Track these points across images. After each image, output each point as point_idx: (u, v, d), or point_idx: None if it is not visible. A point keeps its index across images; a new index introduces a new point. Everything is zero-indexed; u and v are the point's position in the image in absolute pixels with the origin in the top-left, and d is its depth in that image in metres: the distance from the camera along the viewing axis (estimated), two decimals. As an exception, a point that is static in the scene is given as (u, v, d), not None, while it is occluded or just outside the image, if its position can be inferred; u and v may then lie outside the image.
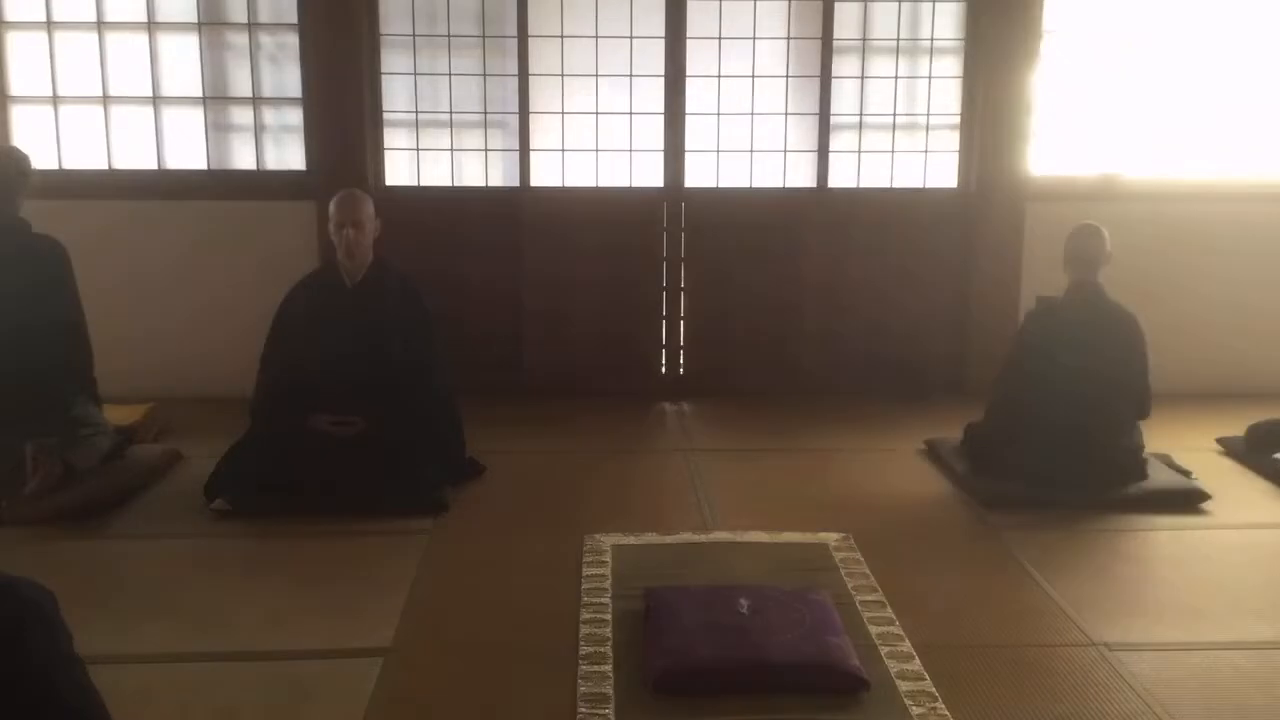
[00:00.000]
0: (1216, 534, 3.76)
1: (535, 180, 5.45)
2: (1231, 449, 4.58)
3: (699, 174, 5.47)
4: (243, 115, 5.39)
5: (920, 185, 5.54)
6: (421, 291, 4.28)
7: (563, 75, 5.36)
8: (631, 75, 5.37)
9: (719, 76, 5.39)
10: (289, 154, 5.41)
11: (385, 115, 5.39)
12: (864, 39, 5.42)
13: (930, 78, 5.46)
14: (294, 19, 5.28)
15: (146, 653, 2.87)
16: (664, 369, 5.62)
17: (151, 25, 5.29)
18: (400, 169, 5.44)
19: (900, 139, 5.51)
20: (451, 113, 5.41)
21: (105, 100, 5.33)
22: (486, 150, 5.44)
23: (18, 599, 1.41)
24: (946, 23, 5.42)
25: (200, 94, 5.34)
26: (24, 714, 1.38)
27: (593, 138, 5.43)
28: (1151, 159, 5.53)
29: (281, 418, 4.03)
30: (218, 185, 5.36)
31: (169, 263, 5.32)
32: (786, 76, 5.43)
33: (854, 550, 3.54)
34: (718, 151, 5.46)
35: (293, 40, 5.31)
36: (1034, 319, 4.29)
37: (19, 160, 4.10)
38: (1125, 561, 3.54)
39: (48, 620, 1.44)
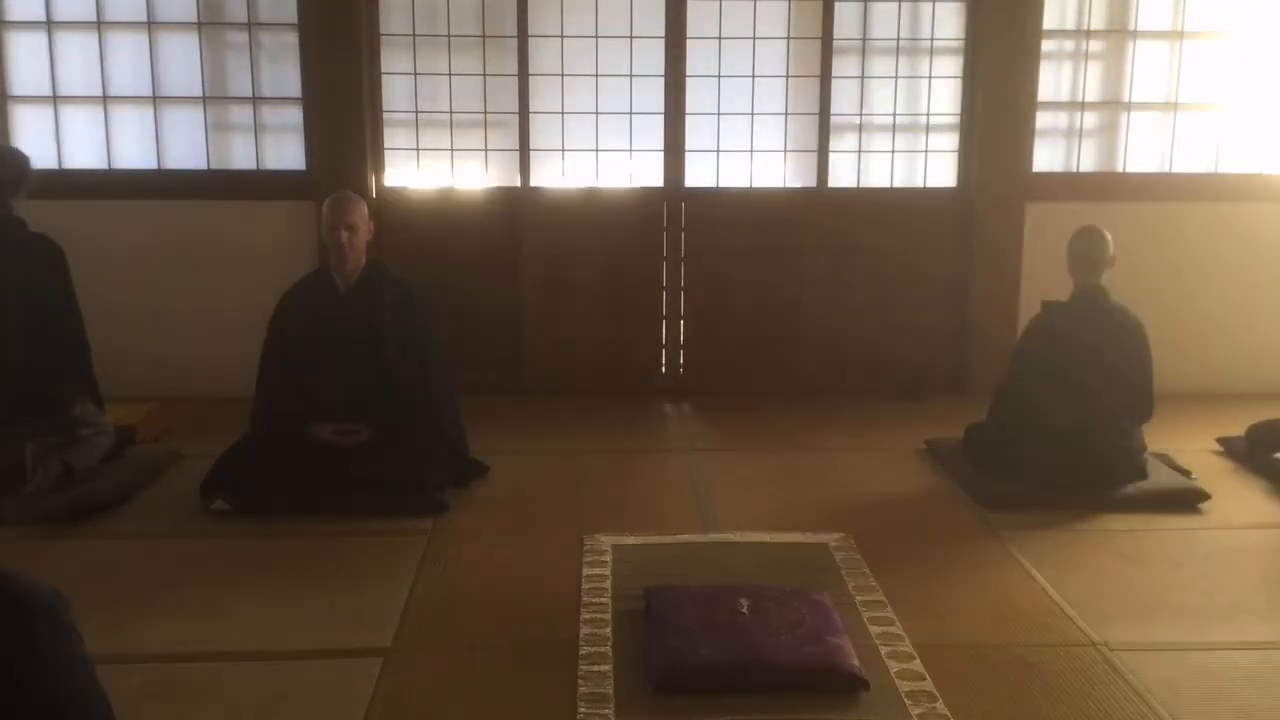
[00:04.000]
0: (1216, 534, 3.76)
1: (535, 180, 5.45)
2: (1231, 449, 4.58)
3: (699, 174, 5.48)
4: (242, 115, 5.39)
5: (920, 185, 5.54)
6: (417, 292, 4.25)
7: (563, 75, 5.37)
8: (631, 75, 5.37)
9: (719, 76, 5.39)
10: (288, 154, 5.41)
11: (385, 115, 5.39)
12: (864, 39, 5.42)
13: (930, 78, 5.46)
14: (294, 19, 5.28)
15: (146, 653, 2.87)
16: (664, 369, 5.63)
17: (151, 25, 5.29)
18: (400, 169, 5.45)
19: (900, 139, 5.51)
20: (451, 112, 5.41)
21: (105, 100, 5.33)
22: (486, 150, 5.45)
23: (29, 598, 1.41)
24: (946, 23, 5.43)
25: (200, 94, 5.34)
26: (30, 714, 1.38)
27: (593, 138, 5.43)
28: (1151, 158, 5.53)
29: (283, 426, 4.02)
30: (217, 185, 5.36)
31: (169, 262, 5.32)
32: (786, 76, 5.43)
33: (854, 550, 3.54)
34: (718, 151, 5.47)
35: (293, 40, 5.31)
36: (1038, 322, 4.30)
37: (18, 161, 4.10)
38: (1125, 561, 3.54)
39: (58, 621, 1.44)
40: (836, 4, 5.36)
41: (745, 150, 5.48)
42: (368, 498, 3.87)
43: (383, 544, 3.61)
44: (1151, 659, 2.86)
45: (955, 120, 5.49)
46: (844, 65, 5.43)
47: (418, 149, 5.44)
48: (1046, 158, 5.50)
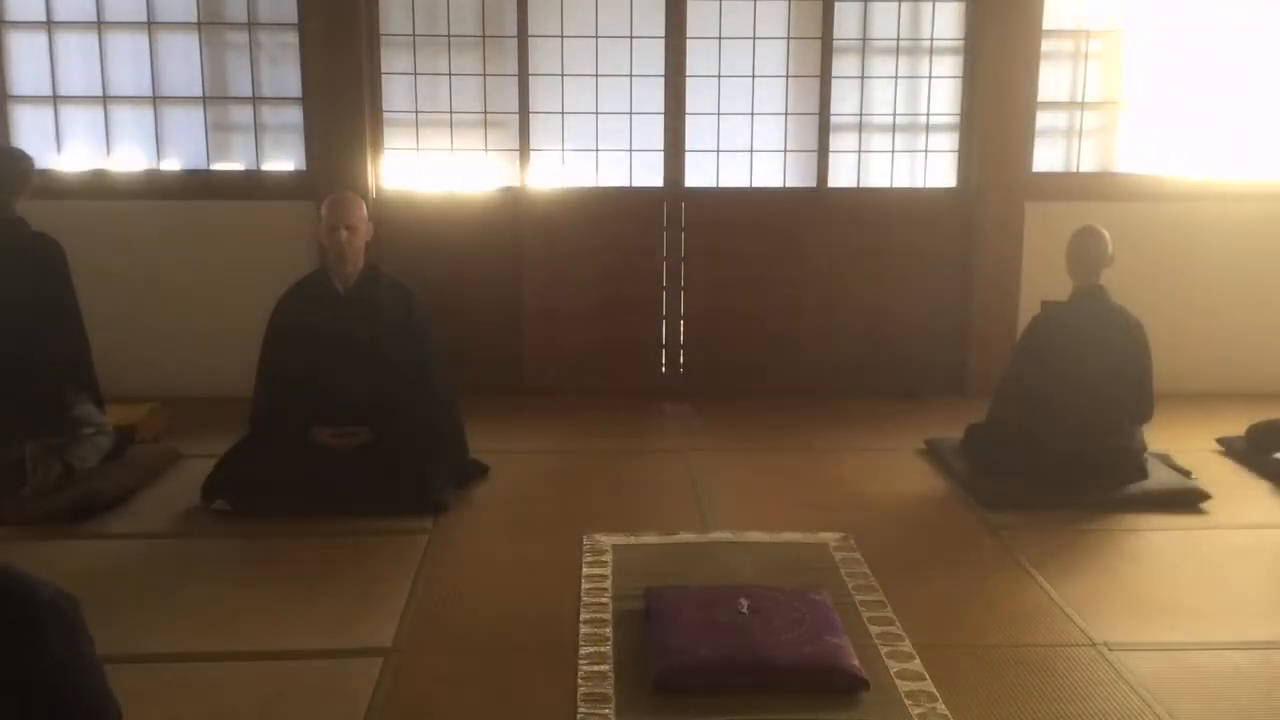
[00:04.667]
0: (1216, 534, 3.76)
1: (535, 180, 5.45)
2: (1231, 449, 4.58)
3: (699, 174, 5.48)
4: (242, 115, 5.39)
5: (920, 185, 5.54)
6: (415, 294, 4.23)
7: (563, 75, 5.37)
8: (631, 75, 5.37)
9: (719, 76, 5.39)
10: (288, 154, 5.41)
11: (385, 115, 5.39)
12: (864, 39, 5.42)
13: (930, 78, 5.46)
14: (294, 19, 5.28)
15: (146, 653, 2.87)
16: (664, 369, 5.63)
17: (151, 25, 5.29)
18: (400, 169, 5.44)
19: (900, 139, 5.51)
20: (451, 113, 5.41)
21: (105, 100, 5.33)
22: (486, 150, 5.45)
23: (37, 599, 1.41)
24: (946, 23, 5.43)
25: (200, 93, 5.34)
26: (41, 715, 1.38)
27: (593, 138, 5.43)
28: (1151, 158, 5.53)
29: (283, 430, 4.00)
30: (217, 185, 5.36)
31: (168, 262, 5.32)
32: (786, 76, 5.43)
33: (854, 550, 3.54)
34: (718, 151, 5.47)
35: (293, 40, 5.31)
36: (1038, 322, 4.30)
37: (19, 160, 4.10)
38: (1125, 561, 3.54)
39: (70, 624, 1.43)
40: (836, 4, 5.36)
41: (745, 150, 5.48)
42: (368, 498, 3.86)
43: (383, 544, 3.61)
44: (1151, 659, 2.86)
45: (955, 120, 5.49)
46: (844, 65, 5.43)
47: (418, 149, 5.44)
48: (1046, 158, 5.50)
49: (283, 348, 4.12)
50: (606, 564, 3.43)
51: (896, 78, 5.46)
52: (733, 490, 4.18)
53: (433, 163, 5.45)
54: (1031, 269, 5.37)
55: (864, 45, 5.43)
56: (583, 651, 2.86)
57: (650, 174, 5.47)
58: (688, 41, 5.36)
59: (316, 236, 4.37)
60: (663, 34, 5.35)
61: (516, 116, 5.40)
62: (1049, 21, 5.35)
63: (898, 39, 5.43)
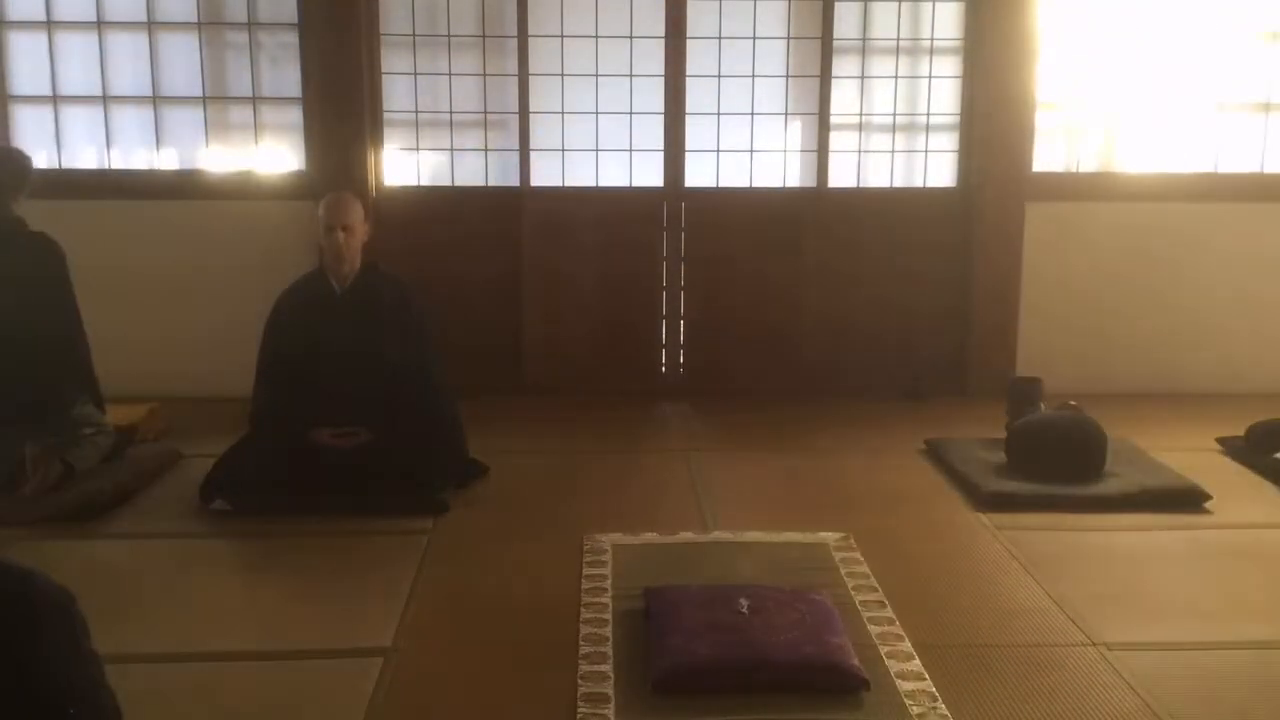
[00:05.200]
0: (1216, 534, 3.76)
1: (535, 180, 5.45)
2: (1231, 449, 4.58)
3: (699, 174, 5.48)
4: (242, 115, 5.39)
5: (920, 185, 5.54)
6: (414, 293, 4.23)
7: (563, 75, 5.37)
8: (631, 75, 5.37)
9: (719, 76, 5.39)
10: (288, 154, 5.41)
11: (385, 115, 5.39)
12: (864, 39, 5.42)
13: (930, 77, 5.46)
14: (294, 19, 5.28)
15: (147, 653, 2.87)
16: (664, 369, 5.63)
17: (151, 25, 5.29)
18: (400, 169, 5.44)
19: (900, 139, 5.51)
20: (451, 113, 5.41)
21: (105, 100, 5.33)
22: (486, 150, 5.45)
23: (36, 593, 1.41)
24: (946, 23, 5.43)
25: (200, 93, 5.34)
26: (37, 707, 1.38)
27: (593, 138, 5.43)
28: (1151, 158, 5.53)
29: (282, 431, 4.00)
30: (216, 185, 5.36)
31: (167, 262, 5.32)
32: (786, 76, 5.43)
33: (854, 550, 3.53)
34: (718, 151, 5.46)
35: (293, 40, 5.31)
36: None
37: (17, 159, 4.10)
38: (1125, 561, 3.54)
39: (65, 615, 1.44)
40: (836, 4, 5.36)
41: (745, 150, 5.48)
42: (368, 498, 3.86)
43: (383, 544, 3.61)
44: (1151, 659, 2.86)
45: (955, 120, 5.49)
46: (844, 65, 5.43)
47: (418, 149, 5.44)
48: (1046, 158, 5.50)
49: (281, 347, 4.12)
50: (606, 564, 3.42)
51: (896, 78, 5.46)
52: (733, 490, 4.18)
53: (433, 163, 5.45)
54: (1031, 269, 5.36)
55: (864, 45, 5.43)
56: (583, 651, 2.85)
57: (650, 174, 5.47)
58: (688, 41, 5.35)
59: (316, 236, 4.37)
60: (663, 34, 5.35)
61: (516, 116, 5.40)
62: (1049, 22, 5.35)
63: (898, 39, 5.43)
